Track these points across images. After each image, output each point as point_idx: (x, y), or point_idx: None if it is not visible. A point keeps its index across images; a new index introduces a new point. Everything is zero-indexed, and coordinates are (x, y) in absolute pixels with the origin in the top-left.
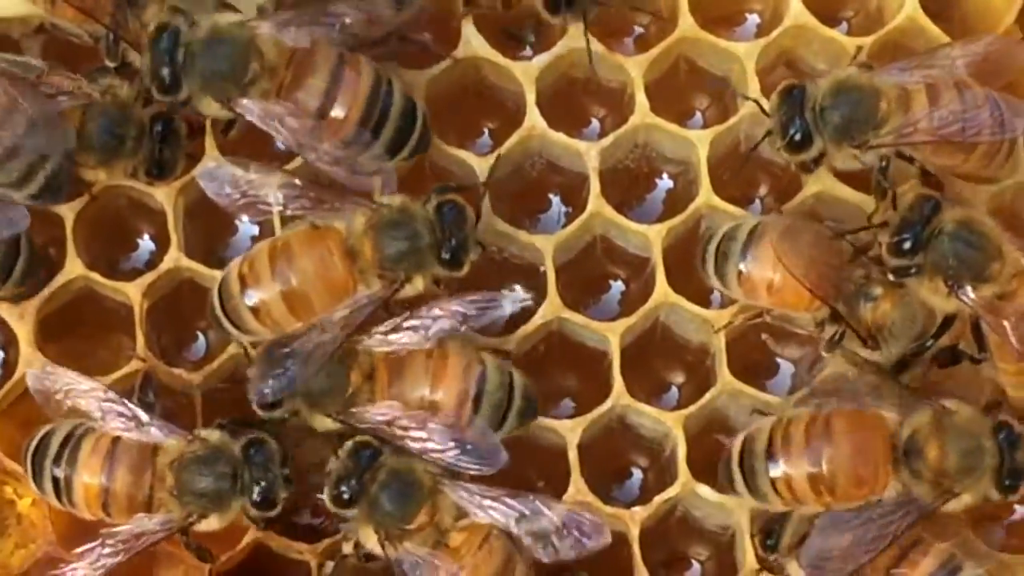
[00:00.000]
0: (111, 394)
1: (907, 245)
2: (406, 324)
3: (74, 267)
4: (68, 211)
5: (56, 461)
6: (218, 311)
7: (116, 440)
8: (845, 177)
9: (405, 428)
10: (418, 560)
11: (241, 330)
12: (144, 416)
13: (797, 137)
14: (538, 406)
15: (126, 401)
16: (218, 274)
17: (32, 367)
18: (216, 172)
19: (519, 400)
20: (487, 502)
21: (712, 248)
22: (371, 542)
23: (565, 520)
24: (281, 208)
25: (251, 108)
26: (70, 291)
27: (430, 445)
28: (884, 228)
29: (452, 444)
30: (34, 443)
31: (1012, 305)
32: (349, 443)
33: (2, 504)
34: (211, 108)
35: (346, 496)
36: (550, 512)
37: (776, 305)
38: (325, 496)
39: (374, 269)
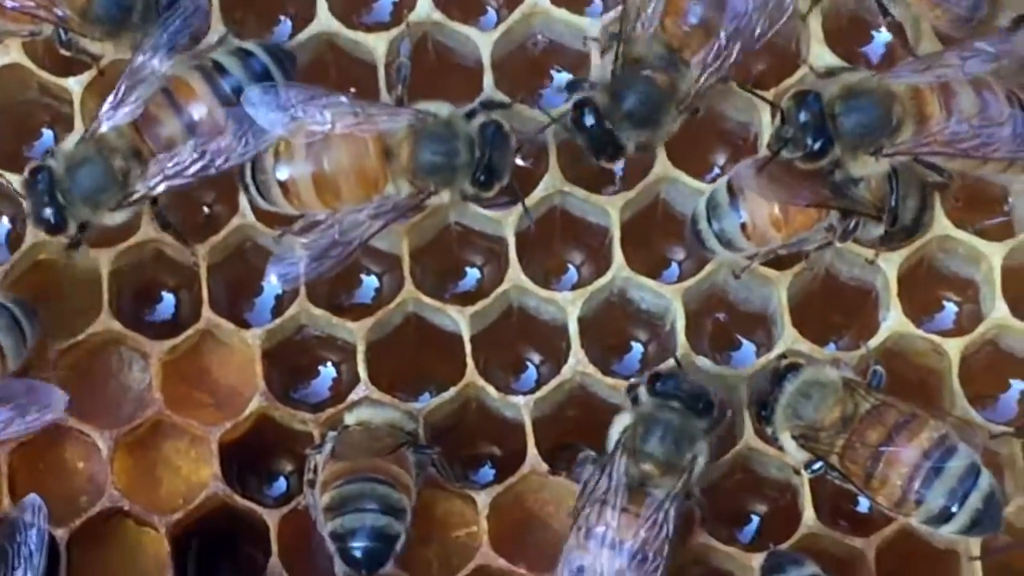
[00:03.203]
0: None
1: (818, 146)
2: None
3: None
4: (76, 85)
5: None
6: (248, 180)
7: None
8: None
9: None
10: None
11: (268, 202)
12: None
13: None
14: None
15: None
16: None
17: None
18: (262, 97)
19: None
20: None
21: (704, 225)
22: None
23: None
24: (330, 127)
25: (144, 189)
26: None
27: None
28: (787, 145)
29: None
30: None
31: (930, 133)
32: None
33: None
34: (115, 219)
35: None
36: None
37: (790, 236)
38: None
39: (406, 174)
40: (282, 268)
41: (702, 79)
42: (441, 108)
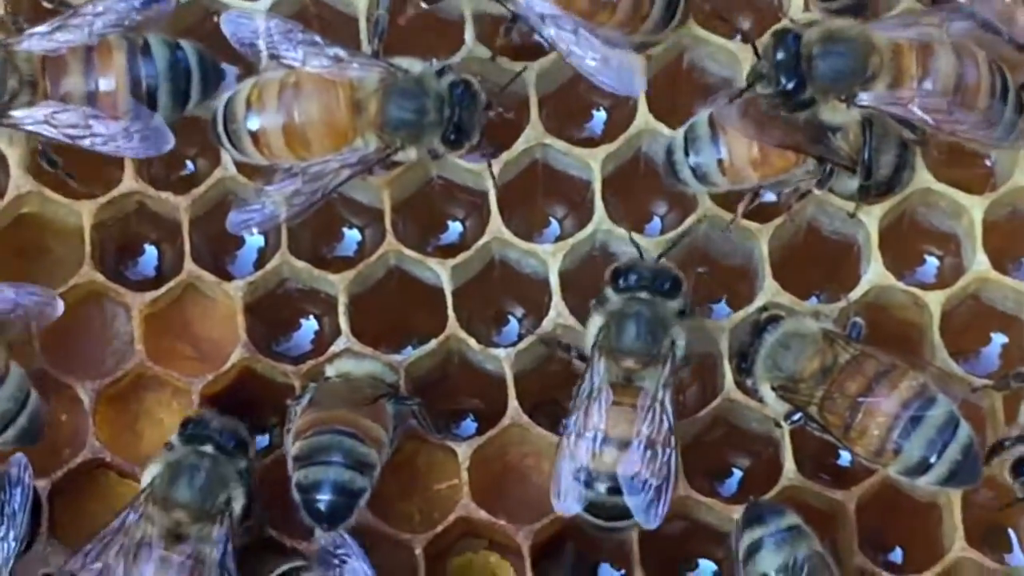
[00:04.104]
0: None
1: (791, 86)
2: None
3: None
4: None
5: None
6: (220, 129)
7: None
8: None
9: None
10: None
11: (238, 151)
12: None
13: None
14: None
15: None
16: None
17: (21, 191)
18: (243, 20)
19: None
20: None
21: (680, 156)
22: None
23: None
24: (300, 64)
25: (20, 118)
26: None
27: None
28: (761, 80)
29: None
30: None
31: (907, 88)
32: None
33: None
34: None
35: None
36: None
37: (766, 177)
38: None
39: (374, 128)
40: (243, 214)
41: None
42: (413, 64)
